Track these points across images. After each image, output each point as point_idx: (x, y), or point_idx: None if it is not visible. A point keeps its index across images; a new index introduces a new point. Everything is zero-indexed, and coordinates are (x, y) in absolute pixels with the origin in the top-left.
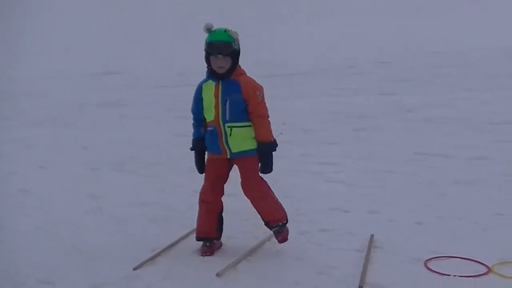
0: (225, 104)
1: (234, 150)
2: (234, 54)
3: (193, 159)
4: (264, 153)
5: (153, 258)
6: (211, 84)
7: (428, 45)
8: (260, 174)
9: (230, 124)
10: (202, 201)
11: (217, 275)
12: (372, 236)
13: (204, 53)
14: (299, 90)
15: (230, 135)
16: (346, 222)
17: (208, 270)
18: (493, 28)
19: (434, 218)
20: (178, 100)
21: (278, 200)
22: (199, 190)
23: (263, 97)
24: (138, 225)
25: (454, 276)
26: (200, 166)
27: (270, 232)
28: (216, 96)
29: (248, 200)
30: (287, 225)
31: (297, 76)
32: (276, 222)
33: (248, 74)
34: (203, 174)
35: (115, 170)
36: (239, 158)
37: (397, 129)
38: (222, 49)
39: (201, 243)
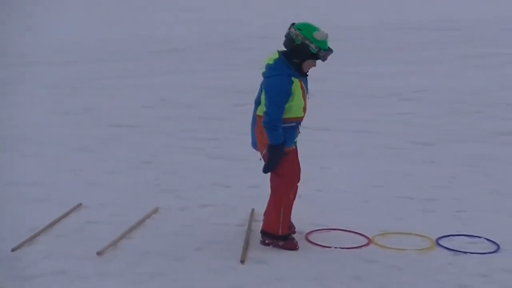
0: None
1: (296, 140)
2: None
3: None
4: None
5: (32, 238)
6: (297, 80)
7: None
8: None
9: None
10: (294, 193)
11: (98, 253)
12: (253, 210)
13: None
14: (181, 65)
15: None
16: (226, 197)
17: (89, 248)
18: (373, 3)
19: (315, 191)
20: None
21: None
22: (283, 183)
23: None
24: (16, 205)
25: (335, 247)
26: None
27: (150, 209)
28: (303, 93)
29: None
30: None
31: (179, 52)
32: None
33: (130, 50)
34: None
35: None
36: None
37: None
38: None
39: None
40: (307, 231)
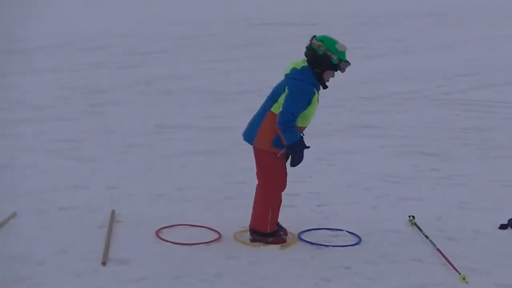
0: None
1: None
2: None
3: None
4: None
5: None
6: (317, 94)
7: (170, 16)
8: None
9: None
10: (281, 192)
11: None
12: (113, 211)
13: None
14: (37, 65)
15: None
16: (86, 199)
17: None
18: (236, 0)
19: (175, 189)
20: None
21: None
22: (273, 183)
23: None
24: None
25: (191, 245)
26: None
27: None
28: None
29: None
30: None
31: (34, 51)
32: None
33: None
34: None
35: None
36: None
37: (136, 102)
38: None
39: None
40: (158, 228)
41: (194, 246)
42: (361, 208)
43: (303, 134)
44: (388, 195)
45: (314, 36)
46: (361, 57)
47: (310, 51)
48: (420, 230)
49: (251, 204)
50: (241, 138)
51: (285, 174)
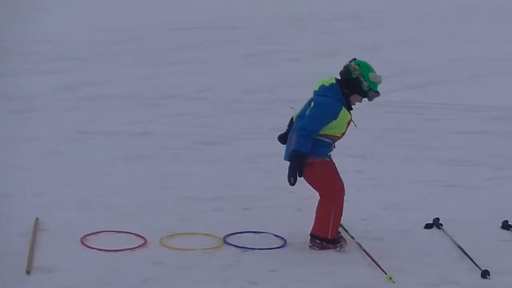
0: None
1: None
2: None
3: None
4: None
5: None
6: (346, 111)
7: (91, 22)
8: None
9: None
10: (342, 199)
11: None
12: (37, 219)
13: (355, 82)
14: None
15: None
16: (9, 207)
17: None
18: (157, 5)
19: (99, 196)
20: None
21: None
22: (333, 189)
23: None
24: None
25: (116, 251)
26: (297, 176)
27: None
28: (349, 121)
29: None
30: None
31: None
32: None
33: None
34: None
35: None
36: (331, 160)
37: (59, 108)
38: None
39: None
40: (83, 235)
41: (120, 252)
42: (286, 211)
43: (334, 146)
44: (313, 198)
45: (354, 59)
46: (283, 60)
47: (345, 72)
48: (346, 231)
49: (177, 209)
50: (165, 143)
51: (339, 177)
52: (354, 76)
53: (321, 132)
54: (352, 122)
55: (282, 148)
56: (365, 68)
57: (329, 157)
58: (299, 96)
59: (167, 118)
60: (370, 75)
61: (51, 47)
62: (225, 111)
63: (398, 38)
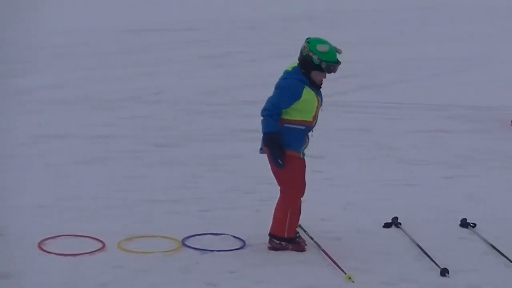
0: (319, 112)
1: (305, 152)
2: None
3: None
4: None
5: None
6: (311, 90)
7: (45, 25)
8: None
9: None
10: (300, 199)
11: None
12: None
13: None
14: None
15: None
16: None
17: None
18: (113, 7)
19: (56, 200)
20: None
21: None
22: (292, 188)
23: None
24: None
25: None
26: (284, 158)
27: None
28: (318, 102)
29: None
30: None
31: None
32: None
33: None
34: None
35: None
36: (304, 160)
37: (14, 112)
38: (336, 69)
39: None
40: (40, 240)
41: (78, 256)
42: (245, 212)
43: (308, 139)
44: (271, 198)
45: (307, 38)
46: (240, 61)
47: (299, 53)
48: (305, 231)
49: (136, 212)
50: (123, 145)
51: (304, 180)
52: (305, 54)
53: (292, 118)
54: (320, 106)
55: (241, 150)
56: (313, 42)
57: (303, 155)
58: (257, 97)
59: (125, 120)
60: (318, 46)
61: (5, 49)
62: (183, 113)
63: (356, 38)
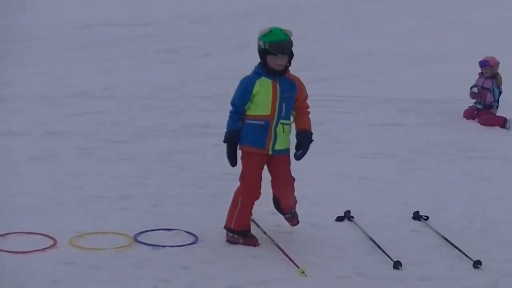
0: (282, 102)
1: (277, 148)
2: (291, 52)
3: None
4: (309, 141)
5: None
6: (267, 80)
7: None
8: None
9: (283, 121)
10: (252, 196)
11: None
12: None
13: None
14: None
15: (283, 132)
16: None
17: None
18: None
19: (7, 197)
20: None
21: None
22: (245, 183)
23: None
24: None
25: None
26: (234, 158)
27: None
28: (274, 93)
29: None
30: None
31: None
32: (290, 209)
33: None
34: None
35: None
36: (278, 155)
37: None
38: (284, 48)
39: None
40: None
41: (29, 254)
42: (197, 207)
43: (273, 137)
44: (223, 193)
45: None
46: (194, 56)
47: None
48: (258, 226)
49: (88, 208)
50: (75, 142)
51: (256, 177)
52: (257, 44)
53: (250, 113)
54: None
55: (194, 145)
56: (261, 31)
57: (274, 151)
58: (210, 92)
59: (77, 117)
60: (260, 31)
61: None
62: (136, 109)
63: (310, 32)
